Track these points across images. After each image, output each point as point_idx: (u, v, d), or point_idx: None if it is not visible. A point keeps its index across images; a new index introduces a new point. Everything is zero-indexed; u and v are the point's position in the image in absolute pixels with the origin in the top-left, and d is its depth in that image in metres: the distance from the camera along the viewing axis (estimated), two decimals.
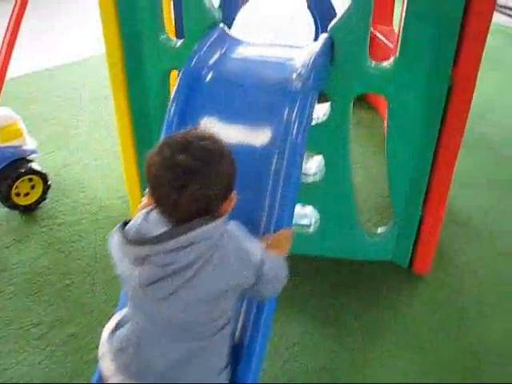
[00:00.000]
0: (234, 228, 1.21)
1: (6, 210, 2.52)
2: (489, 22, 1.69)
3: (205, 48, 1.71)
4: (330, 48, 1.75)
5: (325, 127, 1.88)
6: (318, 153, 1.98)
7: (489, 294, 2.12)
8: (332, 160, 1.96)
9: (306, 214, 2.18)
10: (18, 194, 2.48)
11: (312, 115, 1.60)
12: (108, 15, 1.87)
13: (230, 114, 1.60)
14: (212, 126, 1.58)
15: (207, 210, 1.14)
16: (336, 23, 1.74)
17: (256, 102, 1.60)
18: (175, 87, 1.61)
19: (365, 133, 3.14)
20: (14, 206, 2.49)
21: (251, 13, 3.35)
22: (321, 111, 1.88)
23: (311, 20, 3.46)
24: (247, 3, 3.34)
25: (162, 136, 1.54)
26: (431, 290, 2.13)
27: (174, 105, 1.58)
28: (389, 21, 3.44)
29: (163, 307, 1.15)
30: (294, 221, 2.14)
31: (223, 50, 1.74)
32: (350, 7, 1.71)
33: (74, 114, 3.44)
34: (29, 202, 2.52)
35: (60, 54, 4.29)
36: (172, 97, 1.60)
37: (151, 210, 1.18)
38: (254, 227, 1.44)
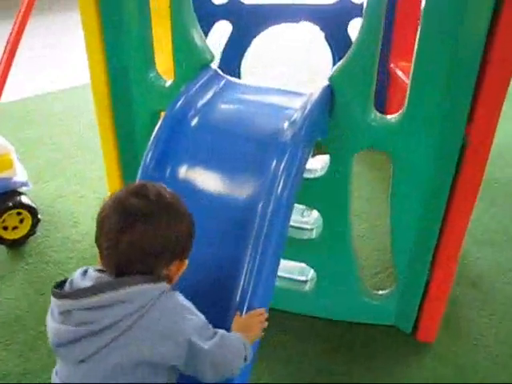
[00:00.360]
0: (179, 298, 1.08)
1: None
2: (511, 71, 1.50)
3: (194, 89, 1.58)
4: (329, 97, 1.59)
5: (322, 182, 1.71)
6: (315, 209, 1.82)
7: (502, 375, 1.88)
8: (330, 217, 1.79)
9: (302, 269, 2.02)
10: (5, 228, 2.36)
11: (303, 168, 1.45)
12: (93, 47, 1.76)
13: (214, 163, 1.47)
14: (192, 173, 1.46)
15: (150, 267, 1.05)
16: (336, 71, 1.57)
17: (243, 151, 1.47)
18: (156, 129, 1.49)
19: (376, 176, 2.95)
20: (0, 240, 2.38)
21: (265, 44, 3.24)
22: (318, 164, 1.73)
23: (328, 51, 3.33)
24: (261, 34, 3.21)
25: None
26: (436, 363, 1.90)
27: (151, 150, 1.46)
28: (411, 56, 3.28)
29: (75, 374, 1.03)
30: (288, 275, 2.01)
31: (213, 93, 1.61)
32: (351, 53, 1.53)
33: (74, 140, 3.34)
34: (17, 237, 2.39)
35: (64, 76, 4.23)
36: (150, 141, 1.47)
37: None
38: (226, 293, 1.30)
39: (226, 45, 3.25)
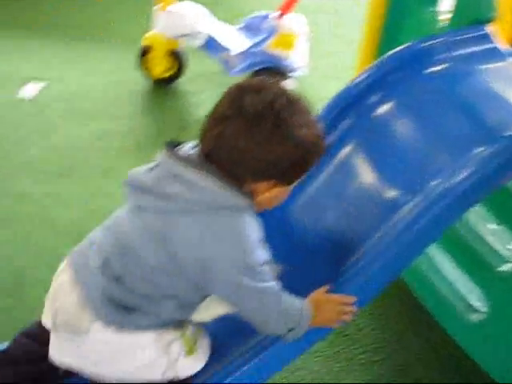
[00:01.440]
0: (246, 226, 1.00)
1: None
2: None
3: (452, 39, 1.36)
4: None
5: None
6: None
7: None
8: None
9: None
10: None
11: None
12: None
13: (417, 120, 1.29)
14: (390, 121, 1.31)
15: (234, 171, 0.99)
16: None
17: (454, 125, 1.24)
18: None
19: None
20: None
21: None
22: None
23: None
24: None
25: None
26: None
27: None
28: None
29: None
30: (464, 291, 1.71)
31: (470, 54, 1.35)
32: None
33: None
34: None
35: None
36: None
37: None
38: (336, 262, 1.19)
39: None
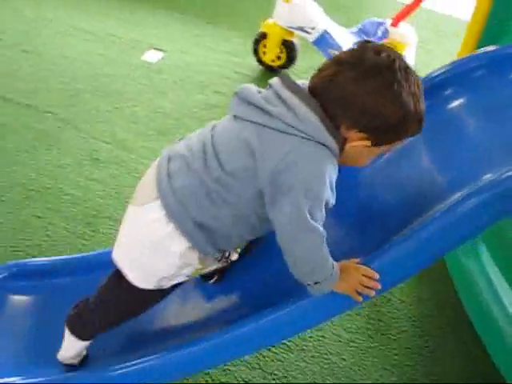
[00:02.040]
0: (327, 168, 1.04)
1: None
2: None
3: None
4: None
5: None
6: None
7: None
8: None
9: None
10: None
11: None
12: None
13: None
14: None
15: (335, 116, 1.05)
16: None
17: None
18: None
19: None
20: None
21: None
22: None
23: None
24: None
25: None
26: None
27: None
28: None
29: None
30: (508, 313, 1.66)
31: None
32: None
33: None
34: None
35: None
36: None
37: None
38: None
39: None
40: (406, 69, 1.05)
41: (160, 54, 2.88)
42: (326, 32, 2.54)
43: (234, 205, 1.10)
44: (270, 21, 2.67)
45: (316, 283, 1.10)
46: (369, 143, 1.08)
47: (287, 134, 1.05)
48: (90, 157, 2.22)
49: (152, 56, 2.87)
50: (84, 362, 1.35)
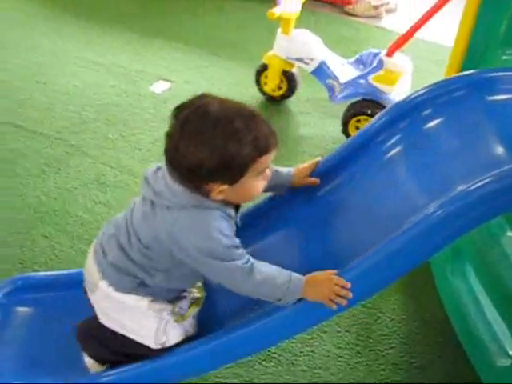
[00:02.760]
0: (211, 218, 1.19)
1: None
2: None
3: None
4: None
5: None
6: None
7: None
8: None
9: None
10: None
11: None
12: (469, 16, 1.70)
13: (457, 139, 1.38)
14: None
15: (190, 180, 1.17)
16: None
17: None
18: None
19: None
20: None
21: None
22: None
23: None
24: None
25: None
26: None
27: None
28: None
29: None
30: (500, 334, 1.71)
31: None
32: None
33: None
34: None
35: None
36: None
37: None
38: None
39: None
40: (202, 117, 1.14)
41: (167, 85, 3.02)
42: (323, 63, 2.65)
43: (163, 270, 1.27)
44: (270, 52, 2.80)
45: (279, 300, 1.21)
46: (226, 186, 1.17)
47: (169, 208, 1.19)
48: (96, 181, 2.34)
49: (159, 86, 3.00)
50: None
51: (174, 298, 1.34)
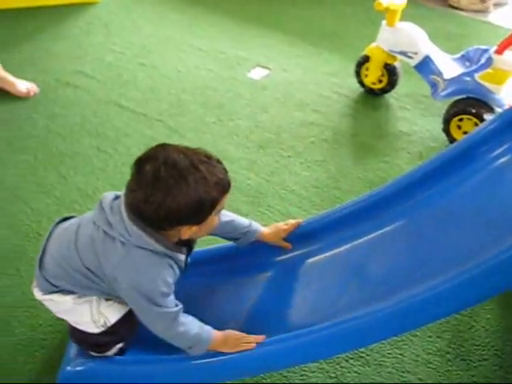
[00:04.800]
0: (156, 265, 1.25)
1: None
2: None
3: None
4: None
5: None
6: None
7: None
8: None
9: None
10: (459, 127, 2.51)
11: None
12: None
13: None
14: None
15: (152, 226, 1.23)
16: None
17: None
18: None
19: None
20: None
21: None
22: None
23: None
24: None
25: None
26: None
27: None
28: None
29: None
30: None
31: None
32: None
33: None
34: None
35: None
36: None
37: None
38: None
39: None
40: (166, 163, 1.18)
41: (265, 72, 3.02)
42: (427, 57, 2.56)
43: (96, 288, 1.33)
44: (373, 44, 2.73)
45: (189, 348, 1.34)
46: (195, 226, 1.25)
47: (121, 243, 1.22)
48: None
49: (257, 73, 3.01)
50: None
51: None
